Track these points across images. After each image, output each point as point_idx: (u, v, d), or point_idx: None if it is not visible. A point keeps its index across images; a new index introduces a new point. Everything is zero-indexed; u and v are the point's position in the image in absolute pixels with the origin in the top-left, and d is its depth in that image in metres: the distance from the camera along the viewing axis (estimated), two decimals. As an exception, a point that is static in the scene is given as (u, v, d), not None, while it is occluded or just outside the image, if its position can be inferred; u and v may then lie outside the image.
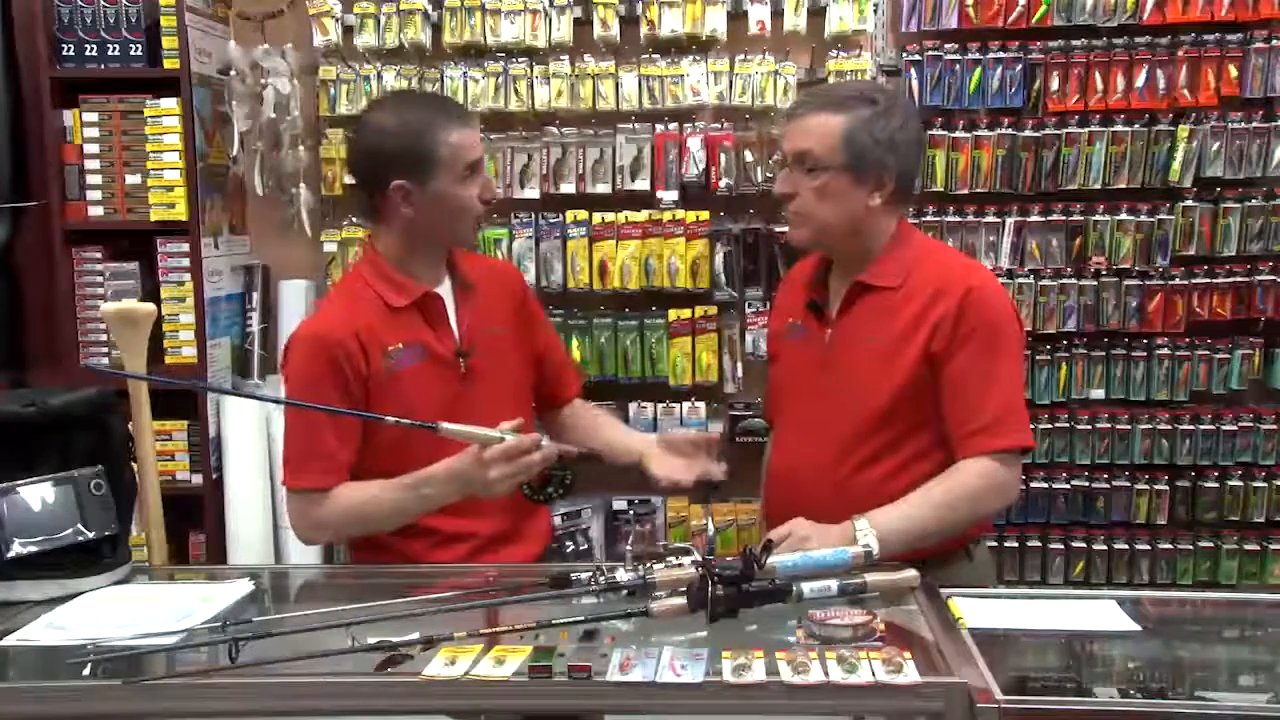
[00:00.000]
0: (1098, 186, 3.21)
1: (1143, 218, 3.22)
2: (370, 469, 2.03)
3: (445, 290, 2.13)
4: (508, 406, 2.08)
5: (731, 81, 3.23)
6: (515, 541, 2.14)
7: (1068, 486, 3.31)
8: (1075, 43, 3.18)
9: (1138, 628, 1.71)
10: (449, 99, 2.22)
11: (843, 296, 2.07)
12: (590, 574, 1.69)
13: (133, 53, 3.21)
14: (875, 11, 3.23)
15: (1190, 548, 3.31)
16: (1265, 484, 3.27)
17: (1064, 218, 3.24)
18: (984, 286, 2.01)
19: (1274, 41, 3.12)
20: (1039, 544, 3.33)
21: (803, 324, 2.14)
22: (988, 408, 1.95)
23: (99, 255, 3.28)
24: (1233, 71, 3.14)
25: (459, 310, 2.13)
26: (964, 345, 1.96)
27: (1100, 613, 1.76)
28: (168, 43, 3.19)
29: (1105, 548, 3.32)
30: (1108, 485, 3.31)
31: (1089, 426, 3.28)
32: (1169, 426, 3.27)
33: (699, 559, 1.67)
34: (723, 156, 3.24)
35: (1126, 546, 3.31)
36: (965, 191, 3.24)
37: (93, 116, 3.23)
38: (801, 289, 2.15)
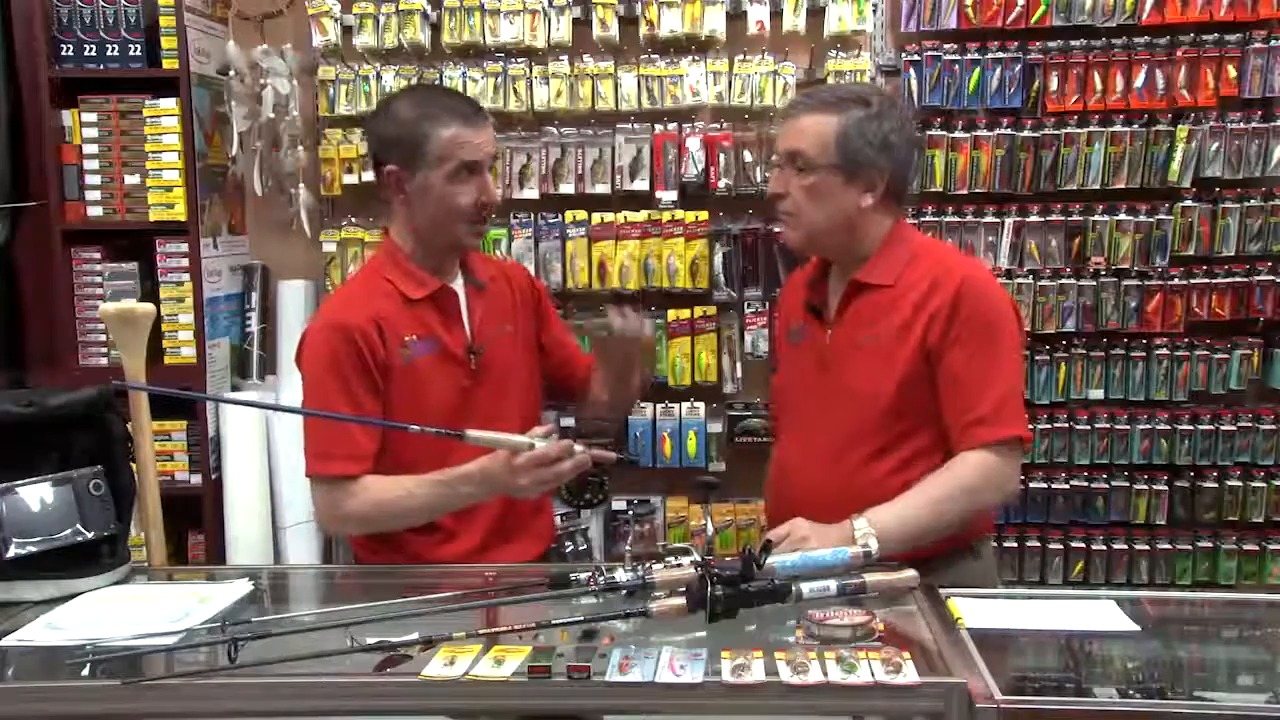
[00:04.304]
0: (1096, 187, 3.21)
1: (1141, 218, 3.22)
2: (390, 459, 2.04)
3: (459, 287, 2.15)
4: (515, 404, 2.14)
5: (730, 82, 3.23)
6: (517, 540, 2.15)
7: (1067, 486, 3.32)
8: (1074, 43, 3.19)
9: (1137, 628, 1.71)
10: (468, 98, 2.21)
11: (840, 296, 2.07)
12: (589, 574, 1.68)
13: (132, 53, 3.21)
14: (874, 12, 3.23)
15: (1189, 548, 3.31)
16: (1264, 484, 3.27)
17: (1063, 218, 3.24)
18: (978, 278, 2.02)
19: (1273, 42, 3.12)
20: (1038, 544, 3.33)
21: (803, 327, 2.15)
22: (984, 400, 1.95)
23: (98, 255, 3.28)
24: (1231, 72, 3.14)
25: (471, 308, 2.15)
26: (960, 337, 1.96)
27: (1099, 613, 1.76)
28: (167, 43, 3.19)
29: (1104, 548, 3.32)
30: (1107, 485, 3.31)
31: (1088, 426, 3.28)
32: (1168, 426, 3.27)
33: (698, 559, 1.67)
34: (722, 157, 3.24)
35: (1125, 546, 3.32)
36: (964, 192, 3.25)
37: (92, 117, 3.23)
38: (802, 292, 2.16)
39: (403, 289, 2.08)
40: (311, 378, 2.05)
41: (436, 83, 3.24)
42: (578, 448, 1.93)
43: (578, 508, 2.06)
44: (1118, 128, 3.19)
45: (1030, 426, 2.07)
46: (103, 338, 3.27)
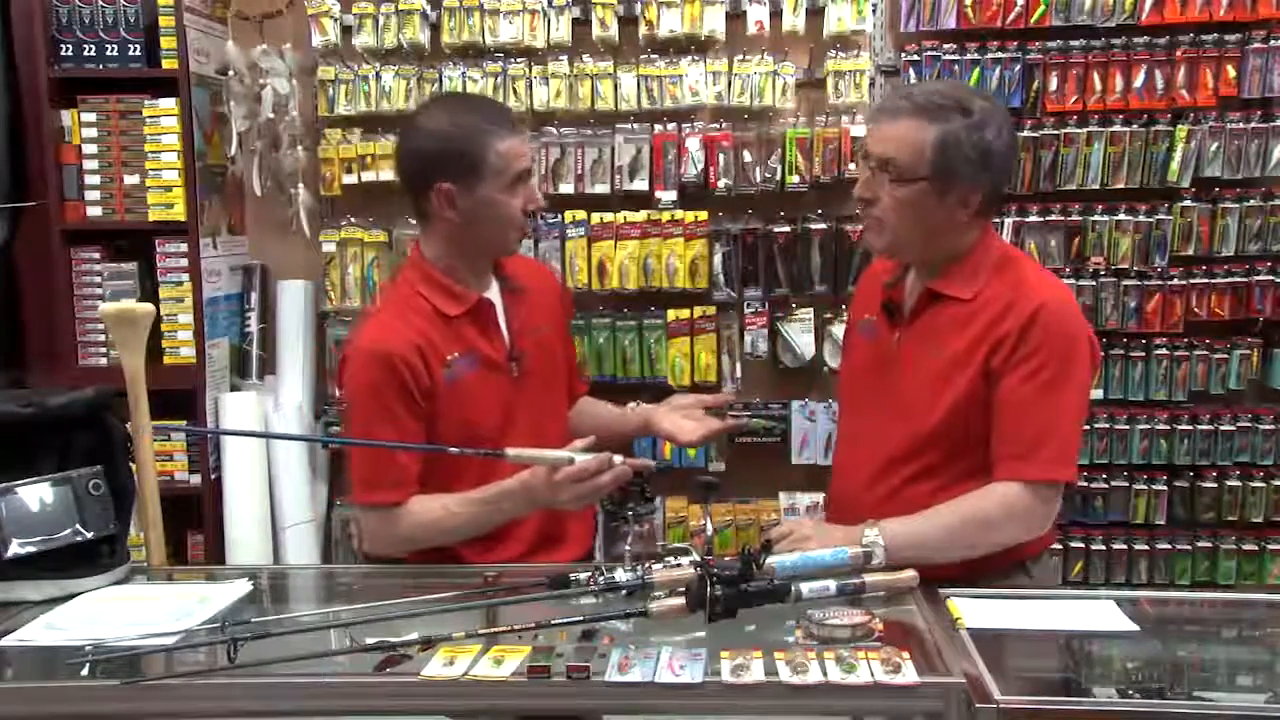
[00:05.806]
0: (1096, 186, 3.21)
1: (1141, 218, 3.23)
2: (436, 474, 2.04)
3: (494, 294, 2.14)
4: (555, 405, 2.17)
5: (730, 82, 3.23)
6: (563, 542, 2.15)
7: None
8: (1073, 43, 3.19)
9: (1136, 628, 1.71)
10: (502, 105, 2.23)
11: (915, 301, 2.00)
12: (589, 574, 1.69)
13: (131, 53, 3.21)
14: (874, 12, 3.23)
15: (1188, 548, 3.31)
16: (1263, 484, 3.27)
17: (1062, 218, 3.25)
18: (1054, 306, 1.90)
19: (1272, 42, 3.12)
20: (1038, 544, 3.33)
21: (875, 322, 2.07)
22: (1028, 432, 1.86)
23: (97, 255, 3.28)
24: (1231, 72, 3.14)
25: (508, 313, 2.14)
26: (1021, 365, 1.86)
27: (1098, 613, 1.76)
28: (166, 43, 3.19)
29: (1104, 548, 3.32)
30: (1106, 485, 3.31)
31: (1087, 426, 3.27)
32: (1167, 426, 3.28)
33: (697, 559, 1.67)
34: (721, 157, 3.24)
35: (1125, 546, 3.32)
36: (964, 192, 3.24)
37: (91, 117, 3.23)
38: (880, 287, 2.08)
39: (440, 306, 2.06)
40: (354, 404, 2.06)
41: (436, 84, 3.25)
42: (617, 459, 1.94)
43: (623, 518, 2.07)
44: (1117, 128, 3.19)
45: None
46: (103, 338, 3.27)
